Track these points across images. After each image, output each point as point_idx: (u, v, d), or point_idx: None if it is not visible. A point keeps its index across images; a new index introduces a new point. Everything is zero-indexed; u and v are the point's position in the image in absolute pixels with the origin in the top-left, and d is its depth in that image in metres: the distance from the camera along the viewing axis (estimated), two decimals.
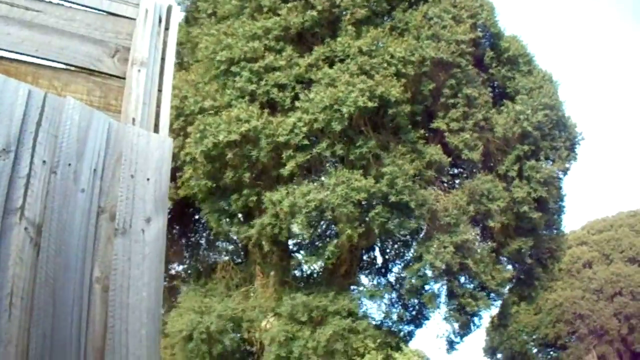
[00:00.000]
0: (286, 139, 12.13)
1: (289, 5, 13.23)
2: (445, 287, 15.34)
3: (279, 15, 13.15)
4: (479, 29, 14.63)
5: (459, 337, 16.23)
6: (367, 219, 13.01)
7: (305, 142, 12.23)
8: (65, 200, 2.30)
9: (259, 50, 12.76)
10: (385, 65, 12.68)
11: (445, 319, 15.38)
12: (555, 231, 16.52)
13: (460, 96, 13.68)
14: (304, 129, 12.10)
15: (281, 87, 12.71)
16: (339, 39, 13.18)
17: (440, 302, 15.58)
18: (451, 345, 16.32)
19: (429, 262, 13.14)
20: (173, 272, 18.46)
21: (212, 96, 12.76)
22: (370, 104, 12.08)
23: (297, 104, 12.52)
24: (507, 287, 15.87)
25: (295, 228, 12.43)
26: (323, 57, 13.11)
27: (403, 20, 13.78)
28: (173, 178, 14.14)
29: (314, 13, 13.07)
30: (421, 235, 14.27)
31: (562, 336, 31.38)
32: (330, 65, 13.00)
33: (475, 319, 15.64)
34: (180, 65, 14.87)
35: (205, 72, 13.43)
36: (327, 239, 14.38)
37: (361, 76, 12.37)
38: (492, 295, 15.08)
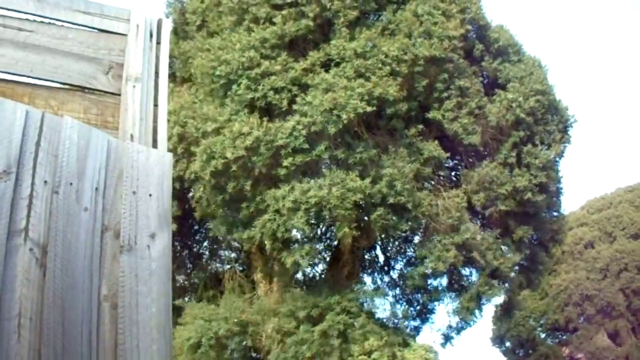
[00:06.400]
0: (285, 142, 12.14)
1: (284, 12, 13.18)
2: (447, 280, 15.40)
3: (274, 24, 13.11)
4: (467, 22, 14.65)
5: (455, 331, 16.27)
6: (366, 218, 13.02)
7: (305, 145, 12.25)
8: (68, 220, 2.31)
9: (255, 59, 12.75)
10: (380, 65, 12.68)
11: (453, 311, 15.42)
12: (555, 214, 16.56)
13: (453, 88, 13.71)
14: (303, 132, 12.13)
15: (278, 90, 12.71)
16: (332, 41, 13.15)
17: (445, 296, 15.64)
18: (447, 339, 16.34)
19: (431, 264, 13.21)
20: (178, 284, 18.42)
21: (212, 117, 12.74)
22: (369, 108, 12.13)
23: (294, 107, 12.53)
24: (513, 273, 15.88)
25: (297, 224, 12.28)
26: (319, 62, 13.11)
27: (394, 21, 13.77)
28: (182, 197, 14.24)
29: (309, 22, 13.05)
30: (421, 234, 14.29)
31: (572, 319, 31.18)
32: (327, 69, 12.99)
33: (477, 312, 15.62)
34: (174, 81, 14.81)
35: (201, 89, 13.43)
36: (328, 241, 14.39)
37: (359, 79, 12.38)
38: (501, 281, 15.15)
